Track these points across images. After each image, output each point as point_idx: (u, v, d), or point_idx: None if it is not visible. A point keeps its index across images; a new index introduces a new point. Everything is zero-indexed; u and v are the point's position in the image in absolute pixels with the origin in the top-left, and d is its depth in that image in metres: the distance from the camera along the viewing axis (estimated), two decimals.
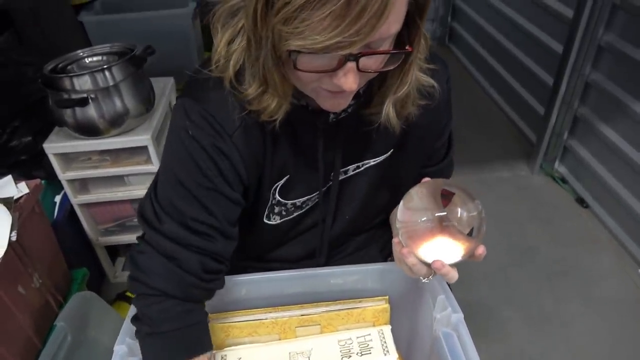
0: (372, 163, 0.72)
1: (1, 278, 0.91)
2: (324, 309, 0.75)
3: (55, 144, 1.36)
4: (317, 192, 0.72)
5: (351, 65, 0.49)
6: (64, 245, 1.30)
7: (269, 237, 0.77)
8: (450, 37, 3.37)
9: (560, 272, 1.75)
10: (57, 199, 1.48)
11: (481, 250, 0.58)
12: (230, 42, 0.58)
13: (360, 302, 0.76)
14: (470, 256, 0.59)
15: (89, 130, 1.33)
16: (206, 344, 0.65)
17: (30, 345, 1.01)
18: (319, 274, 0.76)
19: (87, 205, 1.52)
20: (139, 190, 1.49)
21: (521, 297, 1.66)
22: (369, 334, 0.74)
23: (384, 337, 0.73)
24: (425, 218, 0.57)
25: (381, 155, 0.72)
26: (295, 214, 0.74)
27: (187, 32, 1.99)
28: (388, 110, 0.61)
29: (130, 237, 1.61)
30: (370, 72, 0.52)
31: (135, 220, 1.60)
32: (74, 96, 1.26)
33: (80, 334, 1.06)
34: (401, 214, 0.60)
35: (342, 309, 0.75)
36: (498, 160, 2.31)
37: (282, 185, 0.70)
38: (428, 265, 0.59)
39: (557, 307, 1.63)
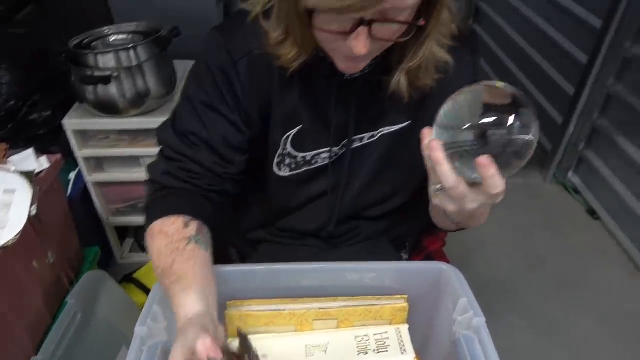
0: (387, 131, 0.73)
1: (17, 252, 0.90)
2: (342, 304, 0.74)
3: (74, 120, 1.36)
4: (328, 149, 0.73)
5: (363, 30, 0.50)
6: (75, 223, 1.30)
7: (278, 191, 0.78)
8: None
9: (568, 283, 1.74)
10: (72, 176, 1.48)
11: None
12: None
13: (378, 299, 0.75)
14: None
15: (109, 108, 1.33)
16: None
17: (40, 320, 1.01)
18: (337, 268, 0.75)
19: (100, 184, 1.52)
20: None
21: (529, 305, 1.66)
22: (386, 332, 0.73)
23: (401, 336, 0.73)
24: (466, 126, 0.47)
25: (397, 124, 0.72)
26: (304, 169, 0.75)
27: (210, 15, 1.97)
28: (400, 79, 0.63)
29: (141, 219, 1.61)
30: (382, 39, 0.53)
31: None
32: (97, 73, 1.26)
33: (90, 312, 1.06)
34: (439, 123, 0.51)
35: (360, 305, 0.74)
36: None
37: (294, 136, 0.71)
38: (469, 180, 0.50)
39: (564, 317, 1.62)
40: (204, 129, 0.68)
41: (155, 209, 0.67)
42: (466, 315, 0.68)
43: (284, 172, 0.75)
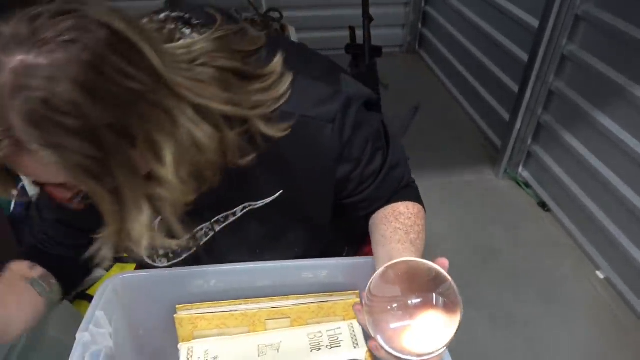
0: (260, 205, 0.69)
1: None
2: (295, 302, 0.74)
3: None
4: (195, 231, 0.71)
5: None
6: (19, 241, 1.24)
7: None
8: (421, 44, 3.42)
9: (522, 274, 1.80)
10: (14, 191, 1.41)
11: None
12: None
13: (331, 295, 0.75)
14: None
15: None
16: None
17: None
18: (290, 266, 0.75)
19: None
20: None
21: (485, 298, 1.70)
22: (339, 328, 0.73)
23: (354, 331, 0.73)
24: (396, 305, 0.51)
25: (268, 197, 0.68)
26: (184, 256, 0.74)
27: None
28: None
29: None
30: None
31: None
32: None
33: (37, 332, 1.01)
34: (376, 287, 0.53)
35: (312, 302, 0.74)
36: (465, 164, 2.35)
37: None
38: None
39: (519, 308, 1.67)
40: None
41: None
42: None
43: (162, 264, 0.74)
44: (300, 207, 0.71)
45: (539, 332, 1.59)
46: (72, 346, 1.10)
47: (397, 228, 0.67)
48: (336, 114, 0.61)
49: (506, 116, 2.23)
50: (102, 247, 0.53)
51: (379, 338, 0.52)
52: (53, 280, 0.67)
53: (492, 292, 1.72)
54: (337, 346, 0.70)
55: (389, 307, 0.51)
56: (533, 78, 1.94)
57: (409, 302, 0.51)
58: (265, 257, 0.75)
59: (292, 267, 0.75)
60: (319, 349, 0.70)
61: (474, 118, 2.66)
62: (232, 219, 0.71)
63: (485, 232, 1.98)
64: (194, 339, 0.72)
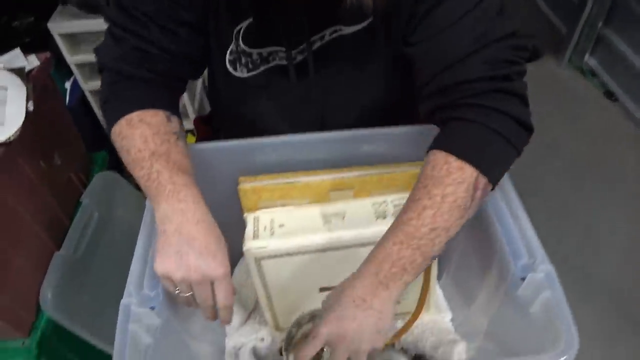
0: (349, 32, 0.64)
1: (21, 150, 0.88)
2: (358, 173, 0.72)
3: (60, 23, 1.28)
4: (284, 50, 0.66)
5: None
6: (79, 130, 1.27)
7: (242, 96, 0.73)
8: None
9: (583, 166, 1.72)
10: (68, 85, 1.43)
11: None
12: None
13: (396, 166, 0.73)
14: None
15: (94, 6, 1.24)
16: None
17: (58, 221, 1.02)
18: (351, 137, 0.73)
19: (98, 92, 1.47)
20: None
21: (542, 189, 1.65)
22: (404, 198, 0.71)
23: None
24: None
25: (356, 24, 0.64)
26: (262, 68, 0.68)
27: None
28: None
29: None
30: None
31: None
32: None
33: (106, 212, 1.06)
34: None
35: (376, 173, 0.72)
36: None
37: (245, 29, 0.64)
38: None
39: (577, 199, 1.62)
40: (146, 1, 0.60)
41: (125, 100, 0.62)
42: None
43: (242, 73, 0.69)
44: (385, 42, 0.66)
45: (597, 223, 1.55)
46: (134, 224, 1.16)
47: (426, 207, 0.57)
48: None
49: None
50: None
51: None
52: (182, 125, 0.65)
53: (551, 184, 1.67)
54: None
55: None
56: None
57: None
58: (335, 99, 0.73)
59: (353, 138, 0.73)
60: (385, 217, 0.69)
61: (537, 2, 2.43)
62: (318, 44, 0.66)
63: (546, 124, 1.88)
64: (258, 209, 0.72)
